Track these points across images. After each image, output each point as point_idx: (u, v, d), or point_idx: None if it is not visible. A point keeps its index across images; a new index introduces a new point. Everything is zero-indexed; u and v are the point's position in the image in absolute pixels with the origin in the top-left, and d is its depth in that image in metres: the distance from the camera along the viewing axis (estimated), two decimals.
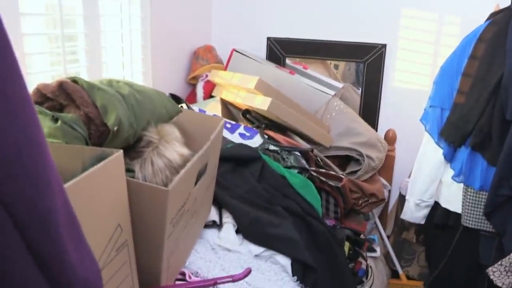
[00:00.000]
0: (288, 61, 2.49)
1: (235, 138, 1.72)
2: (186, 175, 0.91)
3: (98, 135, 0.94)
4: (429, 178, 1.75)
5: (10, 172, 0.38)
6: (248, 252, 1.30)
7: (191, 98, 2.34)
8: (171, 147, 1.00)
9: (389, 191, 2.29)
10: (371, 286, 1.77)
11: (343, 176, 1.73)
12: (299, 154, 1.73)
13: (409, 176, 1.95)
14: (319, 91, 2.28)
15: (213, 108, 2.05)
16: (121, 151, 0.73)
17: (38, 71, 1.52)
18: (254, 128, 1.82)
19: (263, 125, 1.88)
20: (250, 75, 1.93)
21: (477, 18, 1.80)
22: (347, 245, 1.71)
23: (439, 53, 2.26)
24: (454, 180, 1.67)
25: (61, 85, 1.01)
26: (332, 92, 2.32)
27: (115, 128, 0.92)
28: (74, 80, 1.04)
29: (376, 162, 2.01)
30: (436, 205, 1.80)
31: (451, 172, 1.69)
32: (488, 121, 1.54)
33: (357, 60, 2.40)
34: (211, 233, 1.32)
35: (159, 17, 2.08)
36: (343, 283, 1.46)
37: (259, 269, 1.27)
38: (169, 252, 0.95)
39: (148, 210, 0.86)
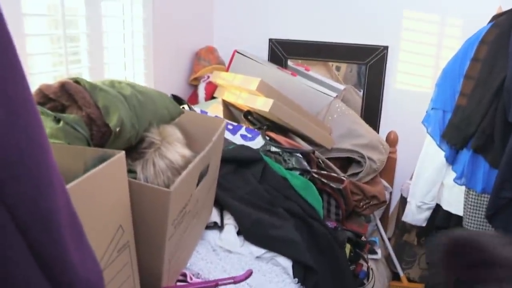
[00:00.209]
0: (290, 62, 2.49)
1: (237, 139, 1.72)
2: (187, 176, 0.91)
3: (100, 136, 0.94)
4: (430, 181, 1.75)
5: (12, 173, 0.38)
6: (249, 254, 1.29)
7: (193, 99, 2.34)
8: (173, 148, 1.00)
9: (391, 193, 2.29)
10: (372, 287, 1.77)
11: (344, 178, 1.73)
12: (300, 155, 1.73)
13: (411, 178, 1.95)
14: (320, 93, 2.28)
15: (215, 109, 2.05)
16: (123, 152, 0.73)
17: (40, 71, 1.52)
18: (256, 130, 1.82)
19: (265, 127, 1.88)
20: (252, 76, 1.93)
21: (479, 20, 1.80)
22: (348, 247, 1.71)
23: (441, 55, 2.26)
24: (456, 182, 1.67)
25: (63, 86, 1.01)
26: (334, 94, 2.32)
27: (117, 129, 0.91)
28: (76, 81, 1.04)
29: (378, 164, 2.01)
30: (437, 208, 1.79)
31: (452, 175, 1.69)
32: (490, 124, 1.54)
33: (359, 62, 2.39)
34: (212, 234, 1.32)
35: (161, 18, 2.08)
36: (344, 285, 1.46)
37: (260, 271, 1.27)
38: (171, 253, 0.95)
39: (149, 211, 0.86)
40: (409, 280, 2.15)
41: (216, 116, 1.90)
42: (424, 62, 2.32)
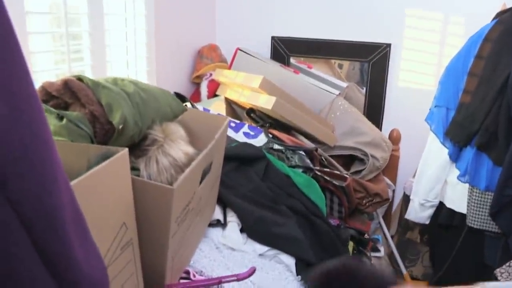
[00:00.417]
0: (292, 60, 2.49)
1: (240, 137, 1.72)
2: (191, 174, 0.90)
3: (103, 133, 0.94)
4: (434, 178, 1.75)
5: (16, 169, 0.38)
6: (252, 251, 1.29)
7: (195, 97, 2.34)
8: (176, 146, 0.99)
9: (393, 191, 2.28)
10: None
11: (347, 176, 1.73)
12: (303, 153, 1.73)
13: (414, 176, 1.94)
14: (323, 91, 2.27)
15: (217, 107, 2.05)
16: (126, 149, 0.73)
17: (42, 69, 1.52)
18: (258, 127, 1.82)
19: (267, 124, 1.87)
20: (255, 74, 1.92)
21: (483, 18, 1.79)
22: (351, 245, 1.70)
23: (444, 53, 2.25)
24: (459, 180, 1.66)
25: (66, 83, 1.01)
26: (337, 92, 2.32)
27: (120, 127, 0.91)
28: (79, 78, 1.04)
29: (381, 162, 2.00)
30: (441, 205, 1.79)
31: (456, 172, 1.69)
32: (494, 121, 1.53)
33: (362, 59, 2.39)
34: (215, 232, 1.32)
35: (164, 15, 2.08)
36: None
37: (263, 268, 1.27)
38: (174, 251, 0.95)
39: (153, 208, 0.86)
40: (412, 278, 2.15)
41: (218, 114, 1.90)
42: (426, 60, 2.31)
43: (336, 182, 1.69)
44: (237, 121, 1.81)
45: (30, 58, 1.45)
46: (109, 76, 1.42)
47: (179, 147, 1.00)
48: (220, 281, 0.98)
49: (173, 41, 2.23)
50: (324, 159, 1.82)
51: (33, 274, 0.39)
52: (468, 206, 1.65)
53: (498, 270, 1.47)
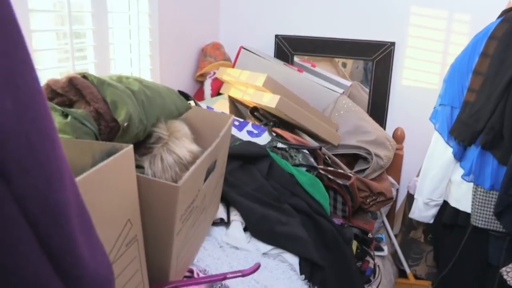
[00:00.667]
0: (296, 58, 2.49)
1: (243, 135, 1.71)
2: (195, 171, 0.90)
3: (108, 131, 0.93)
4: (438, 177, 1.74)
5: (21, 164, 0.38)
6: (256, 250, 1.29)
7: (199, 95, 2.34)
8: (181, 144, 0.99)
9: (397, 190, 2.28)
10: (378, 285, 1.76)
11: (351, 175, 1.72)
12: (307, 152, 1.73)
13: (418, 175, 1.94)
14: (327, 89, 2.27)
15: (221, 105, 2.04)
16: (131, 145, 0.72)
17: (46, 67, 1.52)
18: (262, 126, 1.82)
19: (271, 123, 1.87)
20: (258, 72, 1.92)
21: (488, 16, 1.78)
22: (354, 244, 1.70)
23: (449, 51, 2.25)
24: (464, 179, 1.65)
25: (71, 81, 1.01)
26: (340, 90, 2.31)
27: (125, 124, 0.91)
28: (84, 76, 1.04)
29: (385, 161, 2.00)
30: (445, 205, 1.78)
31: (460, 171, 1.68)
32: (499, 120, 1.53)
33: (366, 58, 2.38)
34: (219, 230, 1.32)
35: (167, 14, 2.07)
36: (351, 282, 1.45)
37: (267, 267, 1.26)
38: (179, 249, 0.95)
39: (158, 206, 0.85)
40: (416, 277, 2.15)
41: (222, 112, 1.90)
42: (431, 58, 2.31)
43: (340, 181, 1.68)
44: (241, 120, 1.80)
45: (34, 56, 1.45)
46: (113, 74, 1.42)
47: (184, 145, 0.99)
48: (224, 277, 0.98)
49: (177, 39, 2.22)
50: (328, 158, 1.82)
51: (38, 270, 0.39)
52: (472, 205, 1.64)
53: (504, 269, 1.46)
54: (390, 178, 2.17)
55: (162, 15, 2.03)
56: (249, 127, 1.75)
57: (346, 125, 2.07)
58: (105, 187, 0.68)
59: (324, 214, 1.48)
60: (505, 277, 1.45)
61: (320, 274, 1.31)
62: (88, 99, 0.96)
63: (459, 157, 1.68)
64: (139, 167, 0.96)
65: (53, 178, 0.40)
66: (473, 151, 1.62)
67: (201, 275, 1.10)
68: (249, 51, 2.28)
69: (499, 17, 1.67)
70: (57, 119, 0.92)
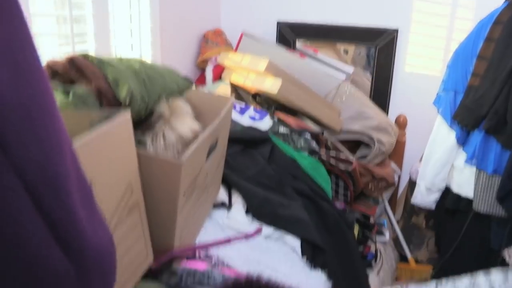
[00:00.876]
0: (298, 44, 2.47)
1: (245, 120, 1.70)
2: (198, 148, 0.90)
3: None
4: (440, 162, 1.73)
5: (20, 136, 0.37)
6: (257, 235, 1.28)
7: (201, 81, 2.33)
8: (183, 122, 0.99)
9: (399, 177, 2.27)
10: (380, 269, 1.76)
11: (353, 160, 1.72)
12: (309, 136, 1.72)
13: (420, 160, 1.93)
14: (329, 75, 2.26)
15: (223, 91, 2.03)
16: (129, 110, 0.73)
17: (46, 51, 1.52)
18: (264, 110, 1.81)
19: (273, 107, 1.86)
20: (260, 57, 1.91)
21: (492, 1, 1.77)
22: (356, 229, 1.70)
23: (452, 37, 2.23)
24: (466, 164, 1.65)
25: (71, 60, 1.00)
26: (343, 76, 2.30)
27: (127, 101, 0.91)
28: (85, 56, 1.03)
29: (387, 147, 1.99)
30: (447, 190, 1.78)
31: (463, 156, 1.67)
32: (503, 104, 1.52)
33: (368, 44, 2.37)
34: (220, 213, 1.31)
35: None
36: (353, 266, 1.46)
37: (269, 250, 1.26)
38: (182, 226, 0.95)
39: (161, 183, 0.85)
40: (417, 262, 2.14)
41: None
42: (435, 44, 2.29)
43: (342, 166, 1.68)
44: (242, 104, 1.79)
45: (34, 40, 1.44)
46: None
47: (186, 123, 0.99)
48: (229, 240, 0.99)
49: (178, 25, 2.21)
50: (330, 143, 1.81)
51: (39, 241, 0.39)
52: (475, 190, 1.63)
53: (506, 250, 1.46)
54: (392, 164, 2.16)
55: (163, 1, 2.01)
56: (250, 111, 1.74)
57: (348, 110, 2.06)
58: (104, 152, 0.68)
59: (326, 198, 1.48)
60: (507, 259, 1.45)
61: (322, 256, 1.31)
62: (89, 77, 0.95)
63: (462, 141, 1.67)
64: (141, 144, 0.96)
65: (52, 152, 0.40)
66: (477, 136, 1.62)
67: (202, 256, 1.10)
68: (251, 37, 2.26)
69: (504, 2, 1.66)
70: (59, 98, 0.91)
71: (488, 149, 1.59)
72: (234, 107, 1.72)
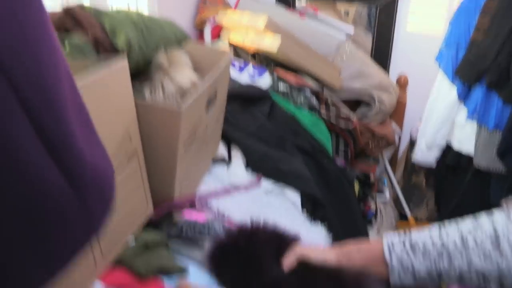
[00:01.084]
0: (298, 4, 2.43)
1: (244, 78, 1.69)
2: (198, 98, 0.89)
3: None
4: (442, 119, 1.72)
5: (13, 50, 0.36)
6: (258, 188, 1.29)
7: (199, 43, 2.30)
8: (182, 73, 0.97)
9: (400, 137, 2.27)
10: (379, 227, 1.77)
11: (354, 118, 1.71)
12: (309, 93, 1.70)
13: (421, 120, 1.92)
14: (329, 35, 2.22)
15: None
16: (125, 57, 0.72)
17: None
18: (263, 67, 1.78)
19: (272, 64, 1.84)
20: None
21: None
22: (356, 186, 1.70)
23: None
24: (468, 120, 1.64)
25: (68, 11, 0.98)
26: (343, 36, 2.26)
27: (125, 50, 0.89)
28: (81, 7, 1.01)
29: (387, 106, 1.98)
30: (447, 148, 1.78)
31: (464, 112, 1.66)
32: (506, 59, 1.49)
33: (369, 3, 2.33)
34: (220, 169, 1.31)
35: None
36: (353, 221, 1.46)
37: (269, 205, 1.26)
38: (181, 177, 0.95)
39: (160, 132, 0.85)
40: (417, 220, 2.16)
41: None
42: (437, 2, 2.25)
43: (342, 125, 1.67)
44: (242, 61, 1.77)
45: None
46: None
47: (185, 74, 0.98)
48: (229, 190, 1.01)
49: None
50: (330, 102, 1.80)
51: (35, 159, 0.38)
52: (475, 146, 1.63)
53: (504, 200, 1.46)
54: (393, 124, 2.16)
55: None
56: (249, 68, 1.72)
57: (349, 69, 2.04)
58: (100, 98, 0.67)
59: (327, 154, 1.48)
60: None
61: (322, 211, 1.31)
62: (86, 27, 0.93)
63: (463, 97, 1.66)
64: (139, 94, 0.95)
65: (47, 67, 0.39)
66: (478, 91, 1.60)
67: (202, 208, 1.11)
68: None
69: None
70: None
71: (489, 105, 1.58)
72: (234, 65, 1.70)
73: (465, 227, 0.74)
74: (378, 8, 2.31)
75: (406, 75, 2.26)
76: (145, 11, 1.97)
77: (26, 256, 0.37)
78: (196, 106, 0.90)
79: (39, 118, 0.38)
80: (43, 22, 0.40)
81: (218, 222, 1.02)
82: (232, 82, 1.60)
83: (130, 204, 0.83)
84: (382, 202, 2.01)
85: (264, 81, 1.66)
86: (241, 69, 1.70)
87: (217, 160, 1.32)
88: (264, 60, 1.89)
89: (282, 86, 1.67)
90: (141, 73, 0.97)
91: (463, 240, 0.71)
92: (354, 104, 2.04)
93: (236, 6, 2.26)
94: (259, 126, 1.41)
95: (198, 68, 1.19)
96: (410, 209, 2.15)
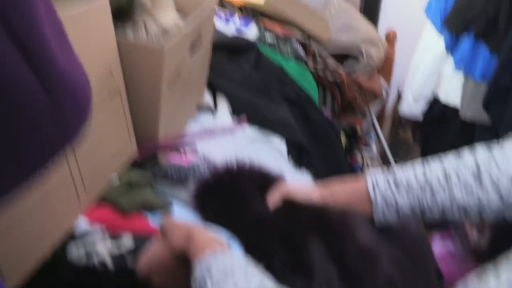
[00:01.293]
0: None
1: (230, 29, 1.66)
2: (181, 39, 0.88)
3: None
4: (429, 71, 1.72)
5: None
6: (243, 135, 1.29)
7: None
8: (166, 14, 0.96)
9: (387, 93, 2.27)
10: None
11: (341, 71, 1.70)
12: (296, 44, 1.69)
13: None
14: None
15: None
16: None
17: None
18: (250, 17, 1.76)
19: (258, 15, 1.81)
20: None
21: None
22: (343, 139, 1.71)
23: None
24: (455, 71, 1.64)
25: None
26: None
27: None
28: None
29: (375, 60, 1.97)
30: (434, 100, 1.78)
31: (451, 64, 1.66)
32: (495, 7, 1.48)
33: None
34: (206, 117, 1.30)
35: None
36: (340, 171, 1.47)
37: (255, 151, 1.27)
38: (166, 120, 0.94)
39: (143, 71, 0.84)
40: None
41: None
42: None
43: (330, 77, 1.66)
44: (227, 12, 1.74)
45: None
46: None
47: (169, 15, 0.96)
48: (214, 132, 1.03)
49: None
50: (317, 55, 1.78)
51: (5, 58, 0.37)
52: (462, 97, 1.64)
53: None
54: (381, 79, 2.15)
55: None
56: (235, 19, 1.69)
57: (337, 23, 2.01)
58: (80, 33, 0.66)
59: (313, 104, 1.48)
60: None
61: (308, 159, 1.32)
62: None
63: (451, 48, 1.65)
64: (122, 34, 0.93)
65: None
66: (466, 42, 1.60)
67: (188, 152, 1.11)
68: None
69: None
70: None
71: (476, 55, 1.58)
72: (220, 17, 1.68)
73: (448, 164, 0.75)
74: None
75: (395, 30, 2.25)
76: None
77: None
78: (179, 47, 0.89)
79: (7, 14, 0.37)
80: None
81: (203, 166, 1.02)
82: (219, 33, 1.58)
83: (113, 142, 0.82)
84: (369, 157, 2.03)
85: (251, 32, 1.63)
86: (227, 21, 1.67)
87: (203, 108, 1.32)
88: (250, 12, 1.86)
89: (268, 37, 1.65)
90: (124, 13, 0.95)
91: (446, 176, 0.72)
92: (342, 58, 2.03)
93: None
94: (245, 75, 1.40)
95: (181, 11, 1.17)
96: (397, 164, 2.17)
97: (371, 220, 0.80)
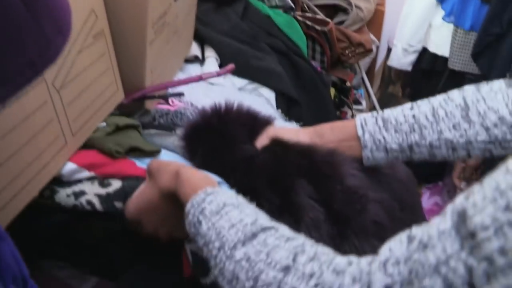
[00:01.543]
0: None
1: None
2: None
3: None
4: (418, 21, 1.71)
5: None
6: (231, 85, 1.27)
7: None
8: None
9: (377, 48, 2.25)
10: None
11: (329, 21, 1.68)
12: None
13: None
14: None
15: None
16: None
17: None
18: None
19: None
20: None
21: None
22: (332, 92, 1.70)
23: None
24: (444, 20, 1.63)
25: None
26: None
27: None
28: None
29: (365, 13, 1.94)
30: (423, 51, 1.78)
31: (441, 14, 1.65)
32: None
33: None
34: (193, 67, 1.29)
35: None
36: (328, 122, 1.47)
37: (243, 101, 1.26)
38: (152, 66, 0.93)
39: (128, 14, 0.82)
40: None
41: None
42: None
43: (318, 27, 1.64)
44: None
45: None
46: None
47: None
48: (200, 77, 0.99)
49: None
50: (306, 6, 1.76)
51: None
52: (451, 48, 1.63)
53: None
54: (371, 35, 2.13)
55: None
56: None
57: None
58: None
59: (302, 55, 1.46)
60: None
61: (297, 110, 1.31)
62: None
63: None
64: None
65: None
66: None
67: (175, 102, 1.10)
68: None
69: None
70: None
71: (466, 5, 1.56)
72: None
73: (436, 101, 0.75)
74: None
75: None
76: None
77: None
78: None
79: None
80: None
81: (190, 111, 1.02)
82: None
83: (99, 85, 0.81)
84: (358, 113, 2.03)
85: None
86: None
87: (190, 60, 1.30)
88: None
89: None
90: None
91: (434, 113, 0.72)
92: (331, 11, 2.00)
93: None
94: (233, 26, 1.38)
95: None
96: None
97: (359, 161, 0.80)
